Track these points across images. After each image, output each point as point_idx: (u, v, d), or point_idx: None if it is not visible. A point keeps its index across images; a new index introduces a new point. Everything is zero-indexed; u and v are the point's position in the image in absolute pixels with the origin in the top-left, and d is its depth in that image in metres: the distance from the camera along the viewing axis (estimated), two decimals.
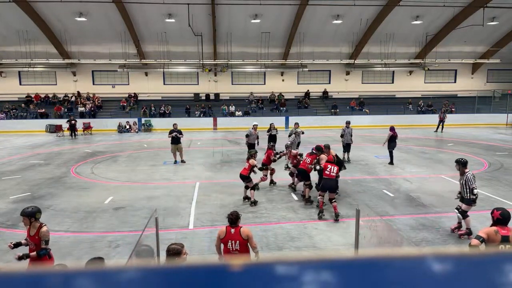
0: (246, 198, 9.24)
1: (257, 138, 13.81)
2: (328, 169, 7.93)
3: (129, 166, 13.73)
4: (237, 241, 4.66)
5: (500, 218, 4.36)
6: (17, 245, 4.87)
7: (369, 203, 8.77)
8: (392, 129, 13.03)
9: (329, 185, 7.92)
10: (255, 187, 9.33)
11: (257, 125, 13.95)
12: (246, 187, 9.16)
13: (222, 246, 4.77)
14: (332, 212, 8.08)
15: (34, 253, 4.63)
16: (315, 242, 6.80)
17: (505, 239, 4.24)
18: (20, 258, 4.71)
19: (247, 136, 13.78)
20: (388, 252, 0.52)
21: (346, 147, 13.80)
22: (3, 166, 13.79)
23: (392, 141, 13.10)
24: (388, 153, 13.25)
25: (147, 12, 22.50)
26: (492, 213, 4.50)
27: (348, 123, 13.98)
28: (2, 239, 6.94)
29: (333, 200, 7.93)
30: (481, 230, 4.45)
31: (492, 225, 4.44)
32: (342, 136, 13.80)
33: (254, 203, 8.92)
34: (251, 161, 9.06)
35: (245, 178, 9.00)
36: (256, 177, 9.34)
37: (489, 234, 4.29)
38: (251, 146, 13.47)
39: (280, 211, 8.48)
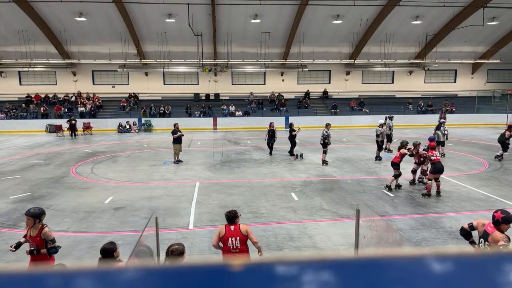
0: (397, 186, 10.07)
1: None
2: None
3: (129, 166, 13.73)
4: (237, 238, 4.67)
5: (499, 220, 4.35)
6: (18, 246, 4.90)
7: (369, 203, 8.77)
8: (272, 124, 15.45)
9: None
10: (398, 176, 10.02)
11: (383, 123, 14.74)
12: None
13: (221, 245, 4.77)
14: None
15: (44, 250, 4.72)
16: (315, 242, 6.80)
17: (485, 235, 4.36)
18: (16, 248, 4.85)
19: (377, 135, 14.26)
20: (388, 252, 0.52)
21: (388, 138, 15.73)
22: (3, 166, 13.80)
23: (271, 136, 15.49)
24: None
25: (147, 12, 22.51)
26: (495, 211, 4.46)
27: (390, 117, 16.17)
28: (2, 239, 6.95)
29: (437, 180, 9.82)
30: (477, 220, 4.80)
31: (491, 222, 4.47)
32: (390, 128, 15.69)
33: (389, 188, 9.88)
34: (402, 150, 9.96)
35: (395, 165, 9.91)
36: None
37: (478, 223, 4.57)
38: (381, 143, 14.28)
39: (280, 211, 8.49)
